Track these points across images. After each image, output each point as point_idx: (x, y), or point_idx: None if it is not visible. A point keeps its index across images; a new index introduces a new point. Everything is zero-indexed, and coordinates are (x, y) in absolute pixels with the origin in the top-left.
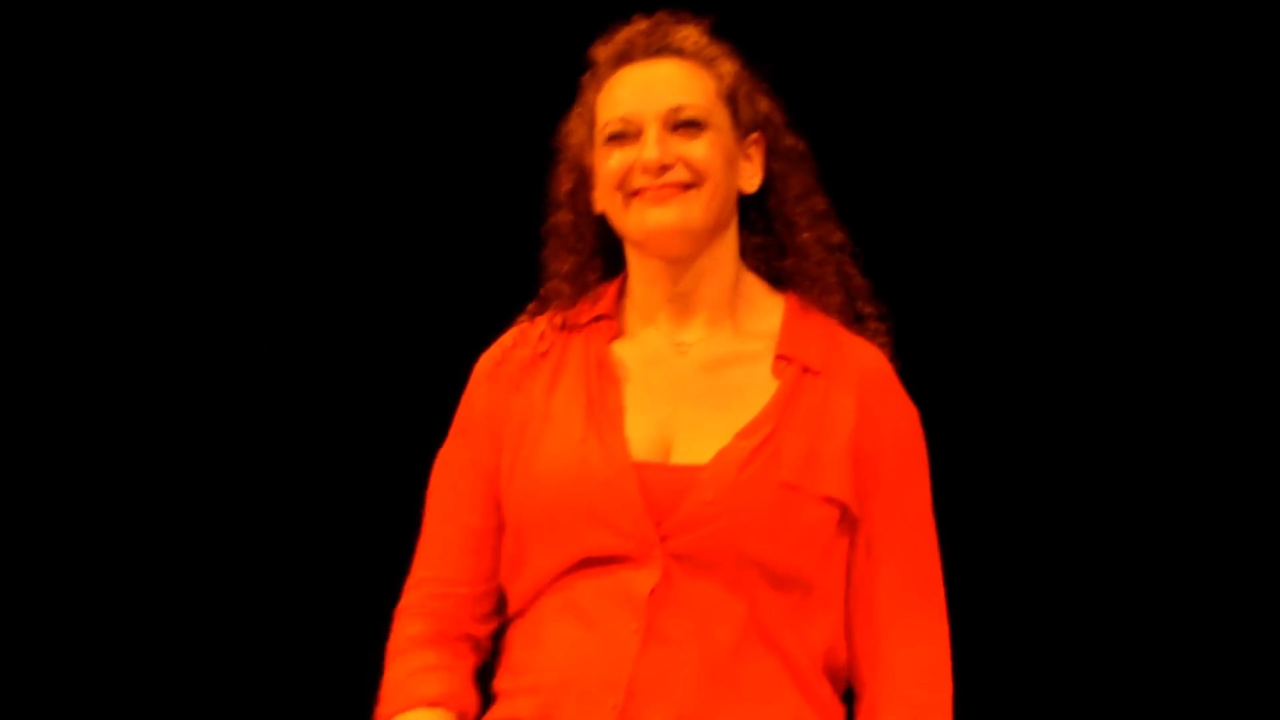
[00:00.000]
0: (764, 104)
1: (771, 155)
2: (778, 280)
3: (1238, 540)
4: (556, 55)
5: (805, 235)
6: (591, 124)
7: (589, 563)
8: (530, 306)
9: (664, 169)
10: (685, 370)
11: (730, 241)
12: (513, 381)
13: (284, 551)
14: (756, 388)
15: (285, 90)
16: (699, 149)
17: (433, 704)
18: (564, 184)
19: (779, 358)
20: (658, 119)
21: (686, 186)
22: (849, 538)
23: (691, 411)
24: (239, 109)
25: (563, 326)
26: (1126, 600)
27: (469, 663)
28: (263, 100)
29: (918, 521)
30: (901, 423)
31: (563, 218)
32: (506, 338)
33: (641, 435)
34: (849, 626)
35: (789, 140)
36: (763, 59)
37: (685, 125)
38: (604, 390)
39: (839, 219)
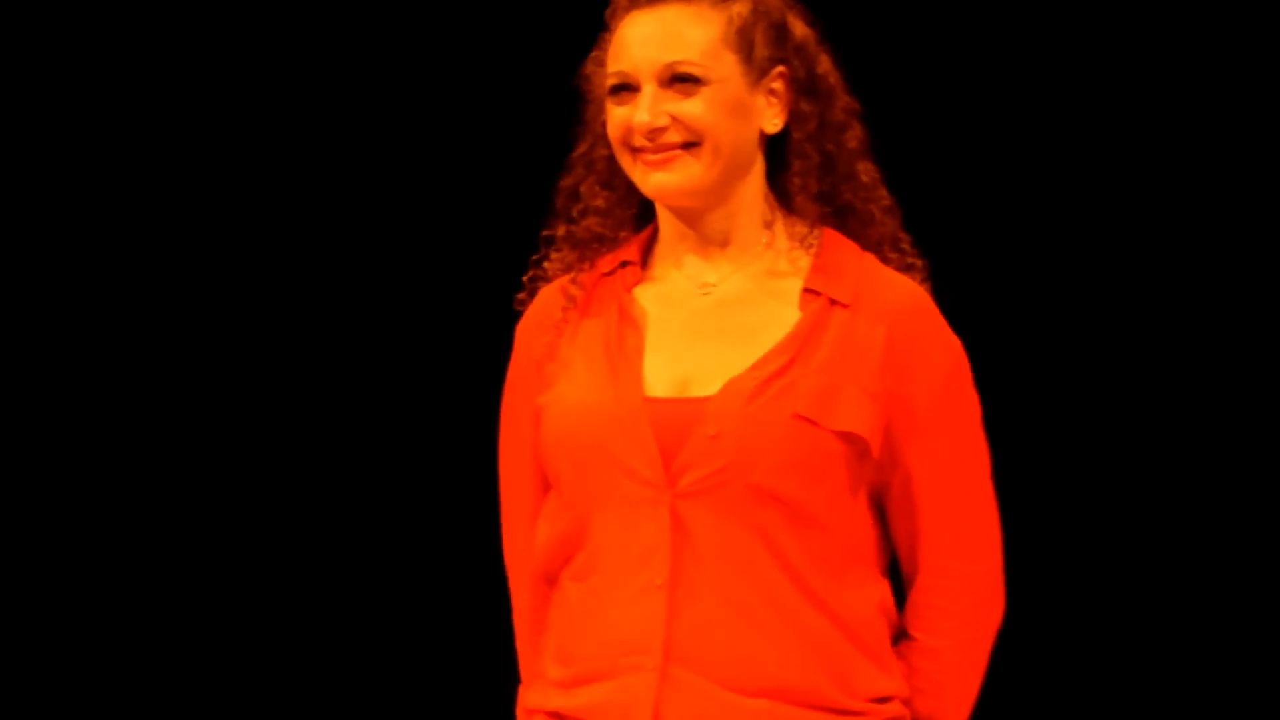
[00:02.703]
0: (797, 31)
1: (799, 87)
2: (824, 214)
3: (1237, 538)
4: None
5: (840, 169)
6: (604, 63)
7: (605, 516)
8: (559, 252)
9: (659, 131)
10: (706, 308)
11: (754, 183)
12: (544, 341)
13: (287, 552)
14: (779, 322)
15: (285, 84)
16: (694, 107)
17: None
18: (599, 116)
19: (805, 290)
20: (653, 75)
21: (686, 145)
22: (876, 481)
23: (710, 348)
24: (239, 109)
25: (590, 274)
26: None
27: None
28: (263, 100)
29: (961, 460)
30: (938, 358)
31: (599, 152)
32: (542, 295)
33: (659, 374)
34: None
35: (819, 69)
36: None
37: (681, 80)
38: (623, 334)
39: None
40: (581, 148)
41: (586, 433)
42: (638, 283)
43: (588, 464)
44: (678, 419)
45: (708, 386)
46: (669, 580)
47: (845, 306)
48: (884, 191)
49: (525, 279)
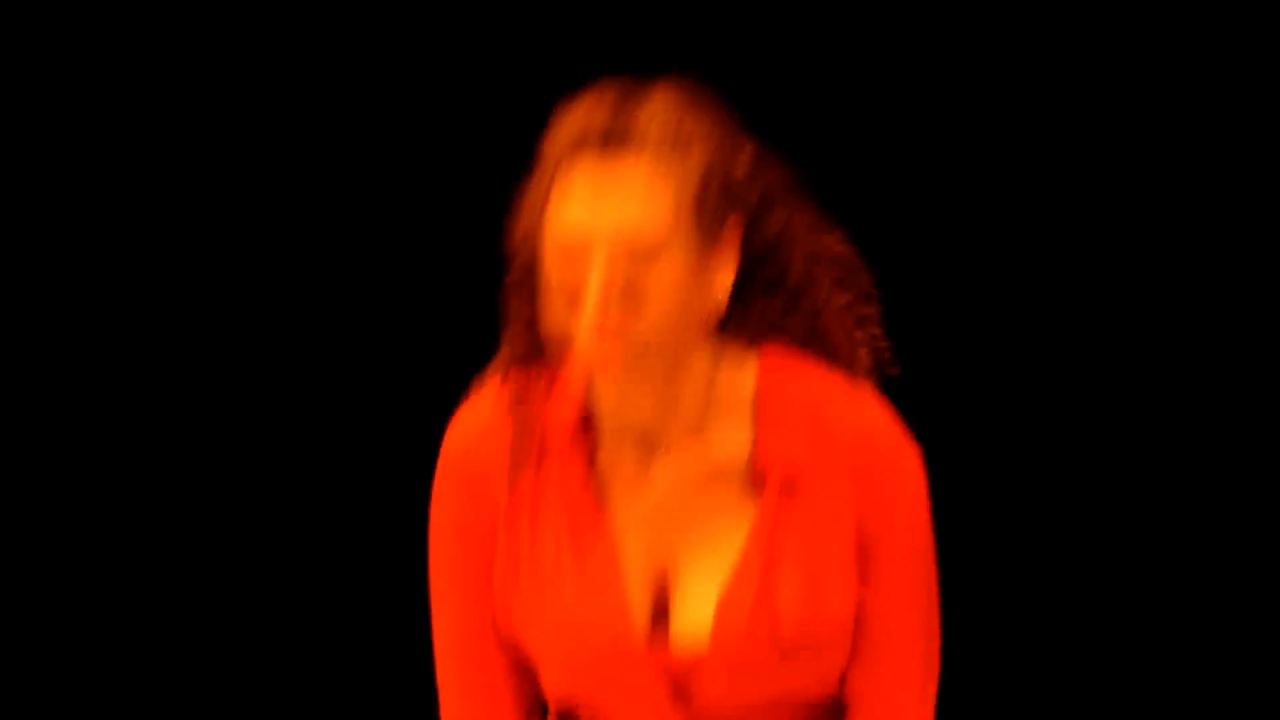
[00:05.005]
0: (753, 178)
1: (756, 234)
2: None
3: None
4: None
5: (788, 292)
6: (545, 203)
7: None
8: (500, 373)
9: (608, 305)
10: (667, 489)
11: (703, 353)
12: (486, 480)
13: (285, 553)
14: (739, 513)
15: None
16: (647, 283)
17: None
18: (535, 246)
19: (756, 472)
20: (605, 243)
21: (629, 337)
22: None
23: (681, 549)
24: (240, 109)
25: (531, 405)
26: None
27: None
28: (264, 100)
29: (921, 602)
30: (904, 492)
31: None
32: (479, 419)
33: (637, 579)
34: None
35: (776, 215)
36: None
37: (635, 253)
38: (594, 527)
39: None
40: (518, 273)
41: (581, 662)
42: (593, 448)
43: (585, 685)
44: (672, 649)
45: (695, 604)
46: None
47: (801, 480)
48: (839, 293)
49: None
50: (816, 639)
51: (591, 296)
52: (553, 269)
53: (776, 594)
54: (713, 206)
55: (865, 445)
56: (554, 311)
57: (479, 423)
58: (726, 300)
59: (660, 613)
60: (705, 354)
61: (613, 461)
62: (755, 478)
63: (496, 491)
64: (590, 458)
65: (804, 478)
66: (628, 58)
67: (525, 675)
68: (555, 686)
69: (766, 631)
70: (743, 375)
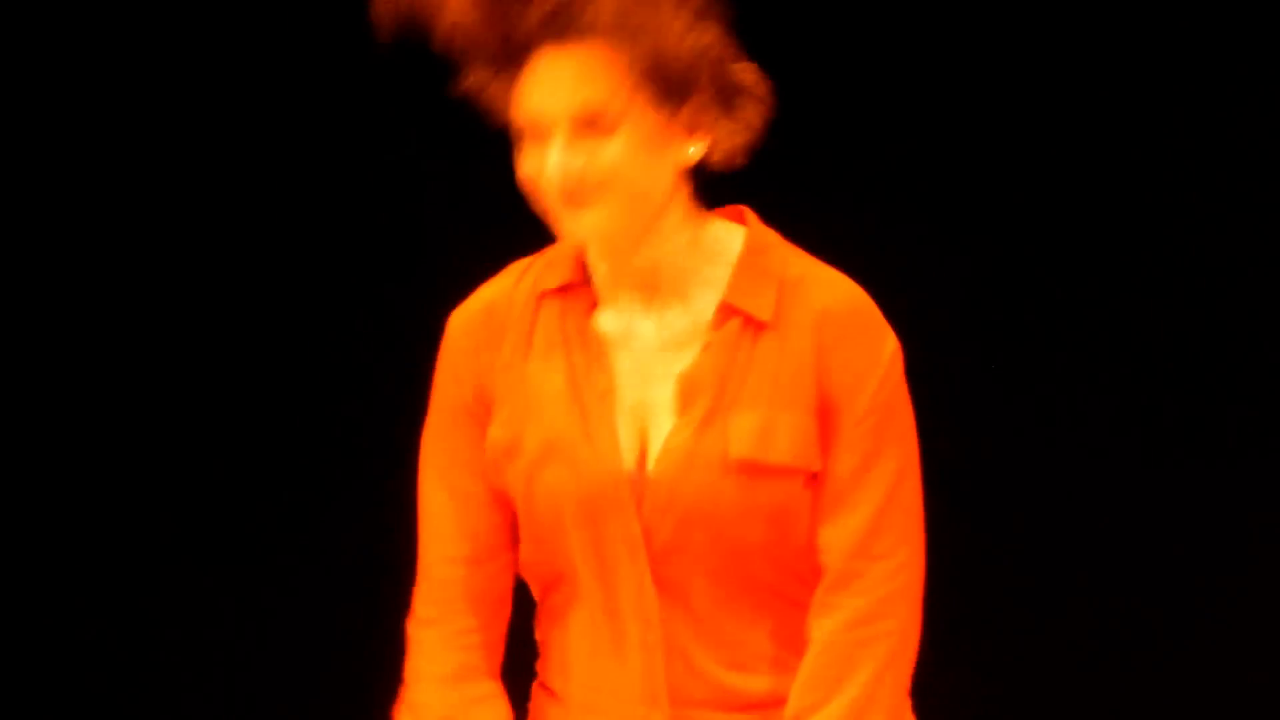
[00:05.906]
0: (712, 50)
1: (723, 102)
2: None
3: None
4: None
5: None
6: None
7: (588, 567)
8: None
9: (569, 180)
10: (652, 347)
11: (677, 213)
12: (492, 346)
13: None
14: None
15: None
16: (606, 154)
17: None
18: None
19: (722, 307)
20: (561, 122)
21: (597, 189)
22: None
23: (660, 400)
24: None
25: (533, 288)
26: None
27: (485, 636)
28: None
29: (883, 466)
30: (866, 361)
31: None
32: (483, 293)
33: (628, 430)
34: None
35: (738, 79)
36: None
37: (592, 125)
38: (590, 371)
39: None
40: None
41: (569, 502)
42: (592, 307)
43: (569, 526)
44: (648, 490)
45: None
46: (665, 638)
47: (766, 326)
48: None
49: None
50: (764, 467)
51: (552, 151)
52: (520, 156)
53: (729, 417)
54: (674, 76)
55: (835, 309)
56: (530, 181)
57: (483, 296)
58: (691, 171)
59: (642, 462)
60: (683, 222)
61: (608, 320)
62: (720, 314)
63: (497, 349)
64: (588, 314)
65: (769, 325)
66: None
67: (506, 517)
68: (535, 533)
69: (715, 448)
70: (729, 244)
